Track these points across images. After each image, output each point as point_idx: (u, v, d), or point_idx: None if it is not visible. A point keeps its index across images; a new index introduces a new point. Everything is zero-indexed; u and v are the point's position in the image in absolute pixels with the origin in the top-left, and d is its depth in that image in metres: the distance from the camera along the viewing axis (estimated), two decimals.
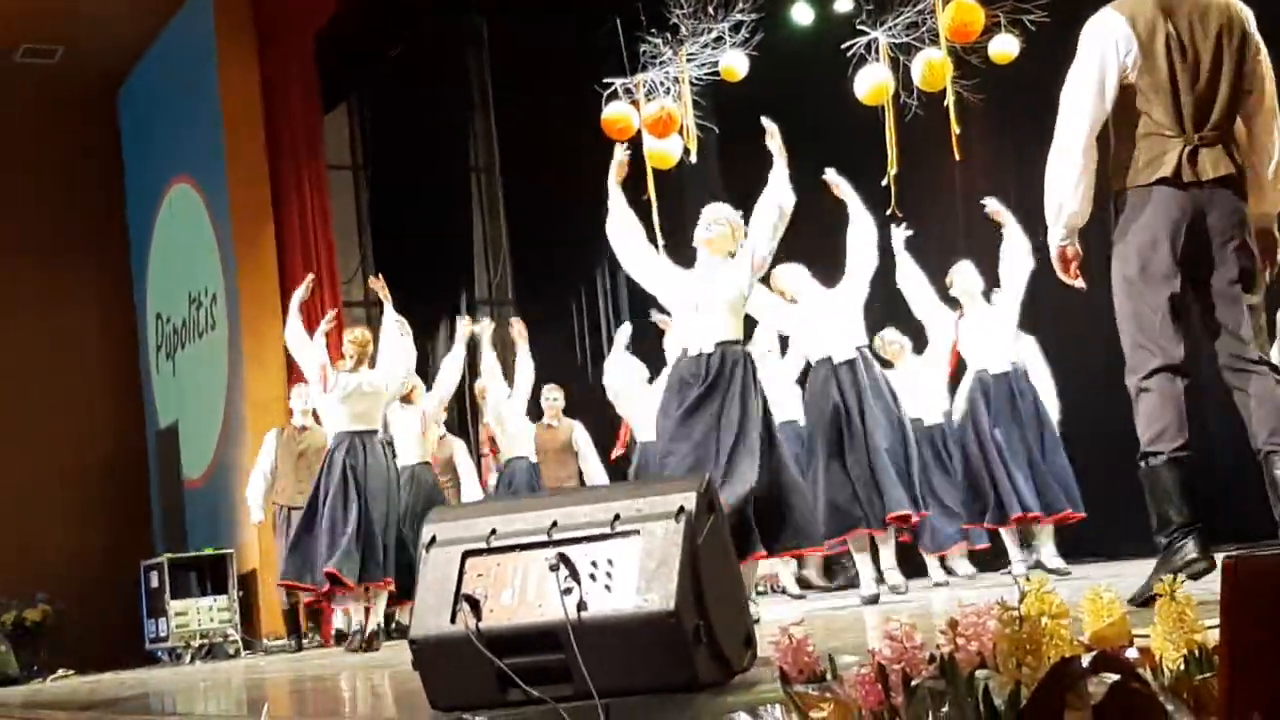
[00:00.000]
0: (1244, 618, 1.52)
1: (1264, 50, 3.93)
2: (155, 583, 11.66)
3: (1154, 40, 3.80)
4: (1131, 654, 1.75)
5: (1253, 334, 3.84)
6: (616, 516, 2.63)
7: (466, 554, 2.70)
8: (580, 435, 9.82)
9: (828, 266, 7.41)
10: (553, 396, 9.97)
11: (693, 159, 9.15)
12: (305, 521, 7.86)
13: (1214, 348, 3.83)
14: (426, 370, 11.24)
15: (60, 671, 10.97)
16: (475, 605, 2.60)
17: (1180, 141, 3.77)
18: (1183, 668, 1.69)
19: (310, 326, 8.16)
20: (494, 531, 2.70)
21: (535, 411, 10.05)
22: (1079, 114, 3.85)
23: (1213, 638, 1.68)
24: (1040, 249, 4.43)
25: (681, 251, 6.42)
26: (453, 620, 2.63)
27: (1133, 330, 3.84)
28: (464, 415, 12.50)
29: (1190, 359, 3.81)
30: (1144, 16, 3.83)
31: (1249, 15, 3.93)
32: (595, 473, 9.71)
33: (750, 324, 6.76)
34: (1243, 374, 3.77)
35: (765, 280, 6.78)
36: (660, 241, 9.20)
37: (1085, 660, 1.62)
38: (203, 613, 11.15)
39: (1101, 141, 3.93)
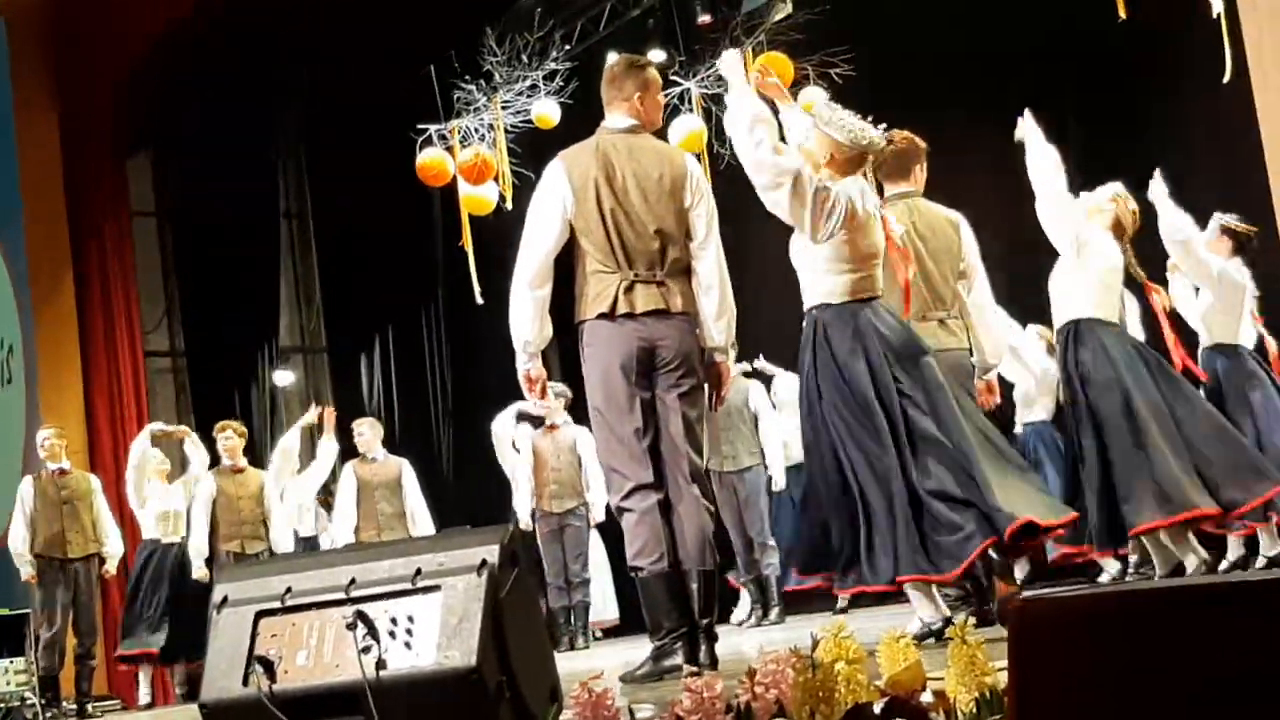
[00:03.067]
0: (1031, 659, 1.53)
1: (709, 201, 4.29)
2: None
3: (586, 188, 4.16)
4: (926, 698, 1.76)
5: (700, 447, 4.21)
6: (418, 571, 2.56)
7: (260, 614, 2.60)
8: (408, 471, 9.65)
9: None
10: (360, 430, 9.74)
11: (509, 205, 9.13)
12: None
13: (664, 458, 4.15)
14: (236, 414, 11.02)
15: None
16: (269, 667, 2.51)
17: (618, 277, 4.11)
18: (975, 710, 1.70)
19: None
20: (289, 590, 2.61)
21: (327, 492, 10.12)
22: (526, 256, 4.20)
23: (1003, 679, 1.69)
24: None
25: (500, 298, 6.36)
26: (245, 683, 2.53)
27: (606, 456, 4.19)
28: None
29: (659, 477, 4.13)
30: (580, 165, 4.21)
31: (695, 168, 4.35)
32: (419, 508, 9.54)
33: None
34: (675, 489, 4.13)
35: None
36: (477, 288, 9.17)
37: (878, 706, 1.62)
38: (4, 675, 10.65)
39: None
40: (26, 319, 11.67)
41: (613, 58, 9.72)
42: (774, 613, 8.82)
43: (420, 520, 9.48)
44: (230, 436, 9.45)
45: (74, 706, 9.79)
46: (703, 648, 4.03)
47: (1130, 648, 1.47)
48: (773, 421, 9.01)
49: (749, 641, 7.06)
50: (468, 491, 11.66)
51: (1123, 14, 7.02)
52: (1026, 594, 1.54)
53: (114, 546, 9.69)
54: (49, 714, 9.45)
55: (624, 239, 4.12)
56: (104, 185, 11.48)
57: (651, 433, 4.12)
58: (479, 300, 9.19)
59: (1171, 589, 1.52)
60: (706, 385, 4.27)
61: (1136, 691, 1.47)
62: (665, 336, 4.12)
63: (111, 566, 9.71)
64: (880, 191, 5.09)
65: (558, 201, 4.19)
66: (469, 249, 9.20)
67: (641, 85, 4.38)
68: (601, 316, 4.11)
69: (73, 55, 11.54)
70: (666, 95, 8.46)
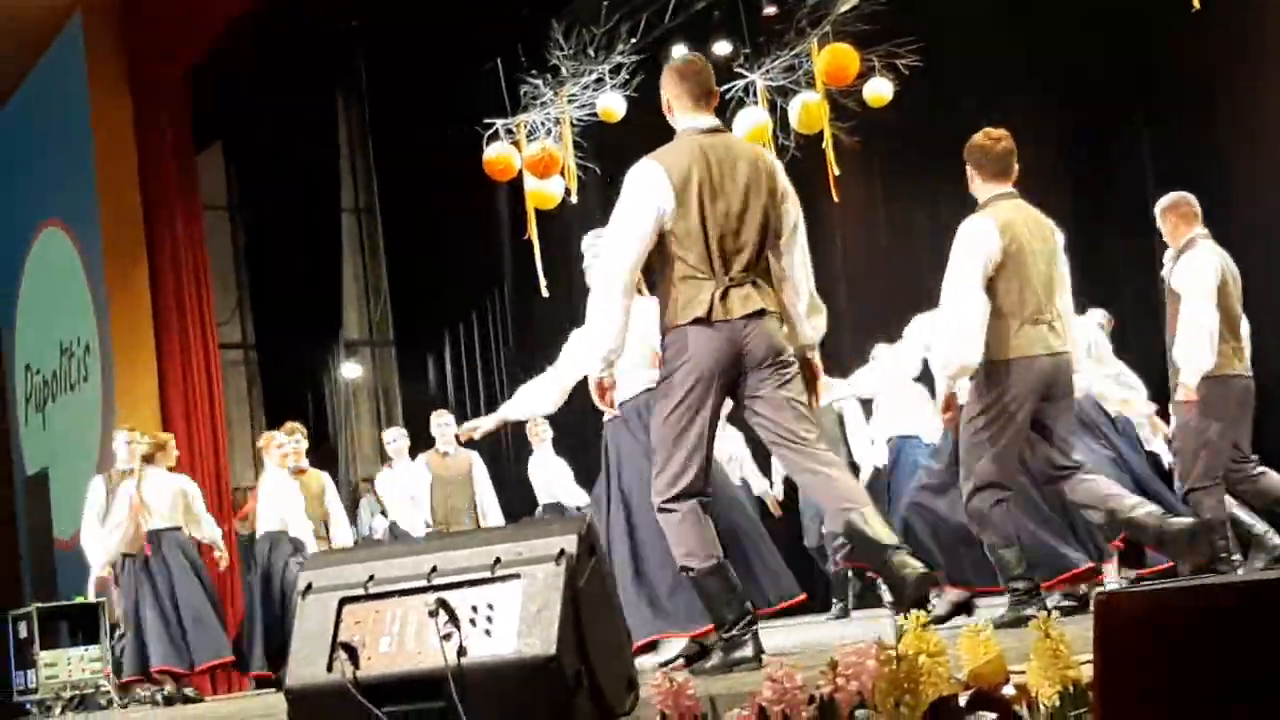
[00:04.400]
0: (1115, 654, 1.53)
1: (793, 198, 4.22)
2: (24, 633, 11.29)
3: (688, 190, 4.04)
4: (1008, 691, 1.77)
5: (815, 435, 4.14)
6: (497, 560, 2.59)
7: (344, 601, 2.64)
8: (479, 464, 9.74)
9: None
10: (443, 422, 9.85)
11: (573, 199, 9.17)
12: None
13: (783, 454, 4.16)
14: (307, 415, 11.14)
15: None
16: (352, 653, 2.55)
17: (713, 284, 4.02)
18: (1057, 704, 1.70)
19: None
20: (372, 577, 2.65)
21: None
22: (620, 260, 4.10)
23: (1087, 673, 1.70)
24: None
25: (565, 291, 6.40)
26: (329, 669, 2.57)
27: (664, 458, 4.11)
28: None
29: (706, 482, 4.11)
30: (679, 166, 4.07)
31: (777, 166, 4.25)
32: (489, 502, 9.64)
33: None
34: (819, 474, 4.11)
35: None
36: (543, 281, 9.22)
37: (962, 699, 1.63)
38: (73, 664, 10.81)
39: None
40: (102, 315, 11.80)
41: (681, 54, 9.79)
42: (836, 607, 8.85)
43: (490, 514, 9.56)
44: (300, 440, 9.53)
45: (148, 693, 9.92)
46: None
47: (1217, 642, 1.47)
48: (859, 419, 8.99)
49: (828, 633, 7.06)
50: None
51: (1196, 3, 6.94)
52: (1112, 588, 1.54)
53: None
54: (123, 701, 9.60)
55: (723, 243, 4.04)
56: (177, 179, 11.57)
57: (708, 444, 4.11)
58: (544, 293, 9.25)
59: (1258, 583, 1.52)
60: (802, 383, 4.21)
61: (1223, 686, 1.47)
62: (757, 337, 4.05)
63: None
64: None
65: (655, 207, 4.07)
66: (535, 242, 9.25)
67: (710, 83, 4.31)
68: (696, 322, 4.02)
69: (145, 48, 11.67)
70: (731, 88, 8.50)
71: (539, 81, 8.93)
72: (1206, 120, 8.51)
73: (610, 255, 4.15)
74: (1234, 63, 8.35)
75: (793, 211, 4.21)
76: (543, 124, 9.00)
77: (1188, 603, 1.54)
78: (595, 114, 8.97)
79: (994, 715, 1.59)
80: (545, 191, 8.99)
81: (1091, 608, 1.49)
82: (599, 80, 8.87)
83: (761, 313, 4.05)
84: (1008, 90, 9.20)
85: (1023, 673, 1.82)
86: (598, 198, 11.09)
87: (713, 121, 4.25)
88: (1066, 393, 4.90)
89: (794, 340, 4.19)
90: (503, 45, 9.94)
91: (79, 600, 11.17)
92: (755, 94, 8.67)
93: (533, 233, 9.21)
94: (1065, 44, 9.01)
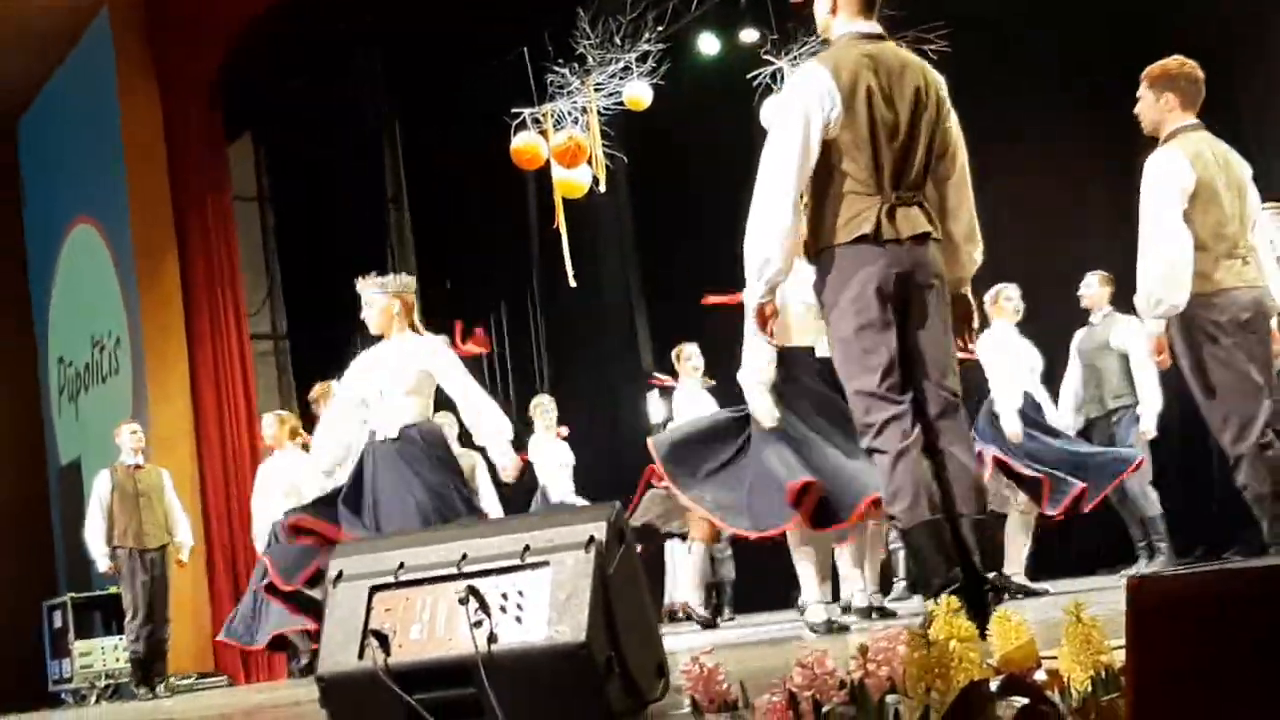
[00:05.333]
0: (1149, 638, 1.52)
1: (955, 117, 3.94)
2: (59, 623, 11.40)
3: (855, 96, 3.75)
4: (1040, 676, 1.76)
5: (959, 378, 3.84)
6: (526, 547, 2.60)
7: (374, 589, 2.65)
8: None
9: None
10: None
11: (601, 188, 9.18)
12: None
13: (924, 391, 3.79)
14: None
15: None
16: (383, 640, 2.56)
17: (879, 199, 3.73)
18: (1090, 689, 1.69)
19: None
20: (402, 565, 2.65)
21: None
22: (785, 169, 3.77)
23: (1120, 658, 1.69)
24: None
25: (592, 281, 6.40)
26: (360, 656, 2.58)
27: (854, 389, 3.79)
28: None
29: (917, 413, 3.75)
30: (848, 70, 3.78)
31: (942, 81, 3.96)
32: (491, 502, 9.62)
33: None
34: (939, 426, 3.77)
35: None
36: (570, 271, 9.23)
37: (994, 684, 1.62)
38: (108, 653, 10.92)
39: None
40: (132, 307, 11.88)
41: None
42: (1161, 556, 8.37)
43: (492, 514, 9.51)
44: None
45: (173, 680, 10.01)
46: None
47: (1254, 627, 1.46)
48: (1147, 361, 8.69)
49: None
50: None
51: None
52: (1144, 572, 1.53)
53: (184, 537, 9.95)
54: (140, 691, 9.69)
55: (892, 157, 3.73)
56: (206, 170, 11.64)
57: (901, 366, 3.75)
58: (571, 283, 9.26)
59: None
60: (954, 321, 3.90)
61: (1261, 673, 1.46)
62: (924, 262, 3.75)
63: (184, 555, 9.93)
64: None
65: (823, 111, 3.73)
66: (563, 231, 9.26)
67: None
68: (860, 240, 3.71)
69: (173, 39, 11.73)
70: (758, 75, 8.48)
71: (566, 70, 8.94)
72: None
73: (772, 166, 3.80)
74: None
75: (955, 131, 3.92)
76: (570, 113, 9.01)
77: (1221, 586, 1.53)
78: (622, 103, 8.97)
79: (1025, 700, 1.58)
80: (573, 181, 9.01)
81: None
82: (626, 69, 8.88)
83: (926, 236, 3.77)
84: (1046, 81, 9.16)
85: (1054, 658, 1.81)
86: (625, 186, 11.12)
87: (877, 29, 3.95)
88: (1265, 327, 4.65)
89: (952, 270, 3.91)
90: (529, 34, 9.95)
91: (114, 590, 11.26)
92: (782, 80, 8.64)
93: (561, 222, 9.23)
94: (1109, 31, 8.91)
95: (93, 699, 10.69)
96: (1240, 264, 4.61)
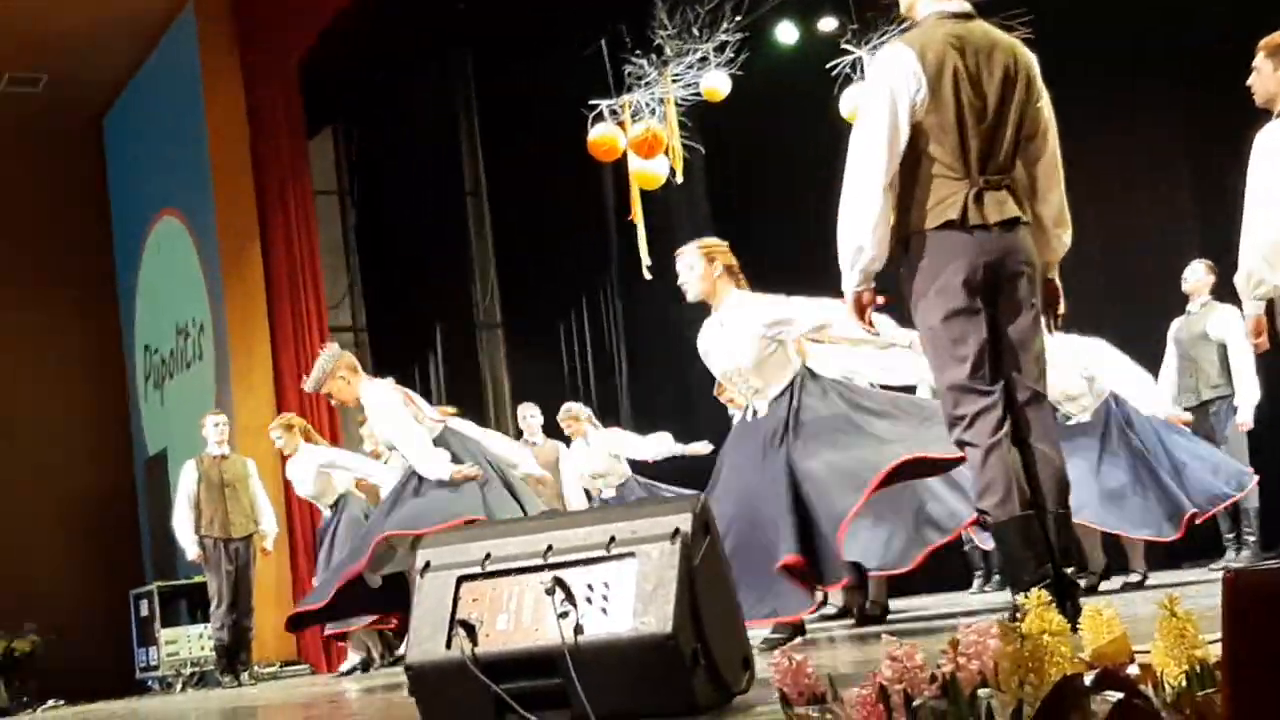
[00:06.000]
0: (1245, 633, 1.51)
1: (1046, 96, 3.84)
2: (145, 611, 11.60)
3: (942, 78, 3.67)
4: (1132, 670, 1.75)
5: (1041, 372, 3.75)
6: (612, 539, 2.61)
7: (461, 579, 2.68)
8: (565, 457, 9.78)
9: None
10: (529, 415, 9.97)
11: (678, 179, 9.17)
12: None
13: (1012, 381, 3.70)
14: (416, 387, 11.25)
15: (50, 702, 10.90)
16: (471, 630, 2.59)
17: (966, 184, 3.66)
18: (1184, 684, 1.68)
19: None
20: (488, 556, 2.68)
21: None
22: (875, 153, 3.68)
23: (1214, 653, 1.67)
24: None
25: (667, 274, 6.39)
26: (448, 646, 2.61)
27: (944, 382, 3.73)
28: None
29: (1008, 404, 3.68)
30: (934, 51, 3.69)
31: (1033, 60, 3.84)
32: (574, 495, 9.66)
33: None
34: (1027, 420, 3.69)
35: None
36: (645, 263, 9.24)
37: (1088, 678, 1.61)
38: (193, 641, 11.09)
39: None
40: (216, 298, 12.05)
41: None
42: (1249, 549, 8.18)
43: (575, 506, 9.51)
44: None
45: (257, 669, 10.14)
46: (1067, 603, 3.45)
47: None
48: (1244, 349, 8.54)
49: None
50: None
51: None
52: (1236, 565, 1.52)
53: (269, 525, 10.05)
54: (225, 679, 9.84)
55: (979, 140, 3.65)
56: (288, 164, 11.76)
57: (992, 357, 3.66)
58: (646, 275, 9.26)
59: None
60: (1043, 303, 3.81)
61: None
62: (1015, 248, 3.67)
63: (269, 544, 10.04)
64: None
65: (910, 94, 3.65)
66: (639, 223, 9.26)
67: None
68: (946, 225, 3.63)
69: (257, 36, 11.86)
70: (838, 64, 8.43)
71: (643, 61, 8.94)
72: None
73: (861, 152, 3.71)
74: None
75: (1046, 112, 3.82)
76: (647, 104, 9.01)
77: None
78: (699, 93, 8.96)
79: (1120, 695, 1.57)
80: (649, 172, 9.01)
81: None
82: (703, 59, 8.86)
83: (1016, 221, 3.69)
84: (1127, 67, 9.01)
85: (1147, 652, 1.80)
86: (702, 177, 11.10)
87: (965, 6, 3.83)
88: None
89: (1041, 254, 3.81)
90: (608, 26, 9.97)
91: (199, 579, 11.46)
92: (862, 70, 8.59)
93: (636, 214, 9.24)
94: (1195, 18, 8.74)
95: (178, 687, 10.87)
96: None
